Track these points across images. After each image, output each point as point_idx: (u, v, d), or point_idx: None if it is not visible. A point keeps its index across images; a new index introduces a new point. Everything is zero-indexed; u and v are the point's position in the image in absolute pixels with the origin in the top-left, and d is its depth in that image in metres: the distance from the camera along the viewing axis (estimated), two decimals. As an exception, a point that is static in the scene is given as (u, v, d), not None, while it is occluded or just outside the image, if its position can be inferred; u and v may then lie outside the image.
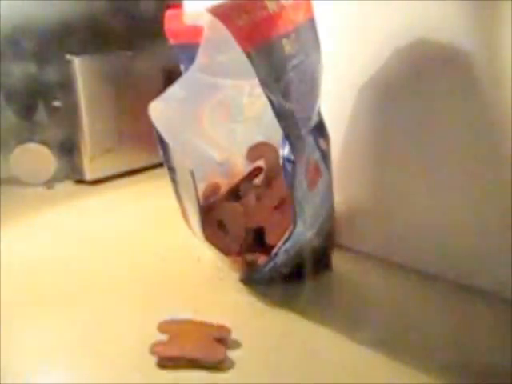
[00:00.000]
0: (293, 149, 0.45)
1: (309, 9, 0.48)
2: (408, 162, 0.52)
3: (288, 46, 0.44)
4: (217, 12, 0.44)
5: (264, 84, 0.43)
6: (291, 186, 0.45)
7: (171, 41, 0.54)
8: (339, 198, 0.56)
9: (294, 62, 0.45)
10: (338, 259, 0.56)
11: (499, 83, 0.45)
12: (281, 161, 0.46)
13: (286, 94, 0.44)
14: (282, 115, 0.44)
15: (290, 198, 0.46)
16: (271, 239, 0.52)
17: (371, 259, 0.56)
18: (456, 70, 0.47)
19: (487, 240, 0.48)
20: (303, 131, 0.46)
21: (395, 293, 0.51)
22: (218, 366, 0.41)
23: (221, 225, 0.56)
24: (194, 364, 0.41)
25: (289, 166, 0.45)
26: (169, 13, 0.55)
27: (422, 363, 0.41)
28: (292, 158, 0.45)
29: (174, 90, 0.54)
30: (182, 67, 0.57)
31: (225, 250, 0.54)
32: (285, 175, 0.46)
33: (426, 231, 0.52)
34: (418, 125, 0.51)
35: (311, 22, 0.48)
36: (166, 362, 0.41)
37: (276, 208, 0.54)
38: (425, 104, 0.50)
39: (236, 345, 0.43)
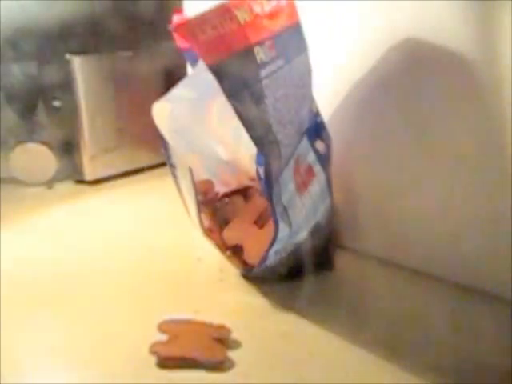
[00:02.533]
0: (265, 154, 0.45)
1: (293, 14, 0.48)
2: (408, 162, 0.52)
3: (261, 54, 0.44)
4: (179, 28, 0.44)
5: (229, 94, 0.43)
6: (267, 190, 0.45)
7: (179, 45, 0.55)
8: (339, 198, 0.56)
9: (270, 68, 0.45)
10: (338, 259, 0.56)
11: (499, 83, 0.45)
12: (254, 166, 0.46)
13: (258, 102, 0.44)
14: (250, 123, 0.44)
15: (268, 202, 0.46)
16: (249, 258, 0.52)
17: (372, 259, 0.56)
18: (456, 70, 0.47)
19: (487, 240, 0.48)
20: (280, 136, 0.46)
21: (396, 293, 0.51)
22: (218, 366, 0.41)
23: (223, 220, 0.56)
24: (193, 364, 0.41)
25: (261, 171, 0.45)
26: (175, 18, 0.55)
27: (422, 363, 0.41)
28: (264, 163, 0.45)
29: (180, 89, 0.54)
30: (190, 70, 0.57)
31: (221, 246, 0.54)
32: (259, 180, 0.46)
33: (426, 231, 0.52)
34: (418, 125, 0.51)
35: (295, 27, 0.48)
36: (166, 362, 0.41)
37: (255, 223, 0.54)
38: (425, 104, 0.50)
39: (236, 345, 0.43)
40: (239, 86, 0.43)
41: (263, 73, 0.44)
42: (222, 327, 0.44)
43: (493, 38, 0.44)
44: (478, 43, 0.45)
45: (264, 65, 0.44)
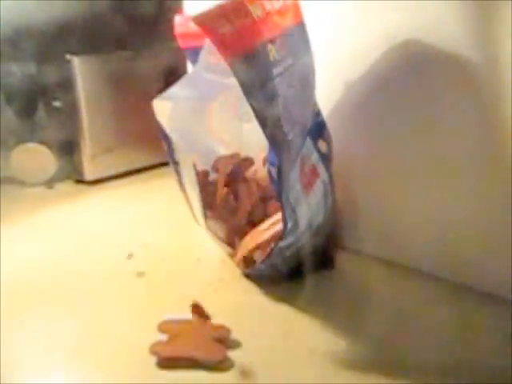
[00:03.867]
0: (278, 154, 0.45)
1: (297, 13, 0.47)
2: (408, 163, 0.52)
3: (273, 52, 0.44)
4: (199, 21, 0.44)
5: (247, 91, 0.43)
6: (280, 189, 0.45)
7: (181, 45, 0.55)
8: (339, 198, 0.56)
9: (281, 67, 0.44)
10: (339, 259, 0.56)
11: (499, 83, 0.45)
12: (266, 166, 0.46)
13: (271, 100, 0.44)
14: (265, 122, 0.44)
15: (279, 201, 0.46)
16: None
17: (372, 259, 0.56)
18: (456, 71, 0.47)
19: (487, 240, 0.48)
20: (290, 135, 0.46)
21: (396, 293, 0.51)
22: (218, 365, 0.41)
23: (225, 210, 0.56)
24: (193, 364, 0.41)
25: (273, 171, 0.45)
26: (177, 18, 0.55)
27: (421, 363, 0.41)
28: (277, 163, 0.45)
29: (180, 87, 0.54)
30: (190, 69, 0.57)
31: (225, 240, 0.55)
32: (271, 180, 0.46)
33: (426, 231, 0.52)
34: (418, 125, 0.51)
35: (300, 26, 0.48)
36: (166, 362, 0.41)
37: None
38: (425, 104, 0.50)
39: (236, 345, 0.43)
40: (255, 83, 0.43)
41: (276, 71, 0.44)
42: (221, 327, 0.44)
43: (492, 37, 0.44)
44: (478, 43, 0.45)
45: (276, 63, 0.44)
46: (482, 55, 0.45)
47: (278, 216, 0.49)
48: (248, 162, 0.59)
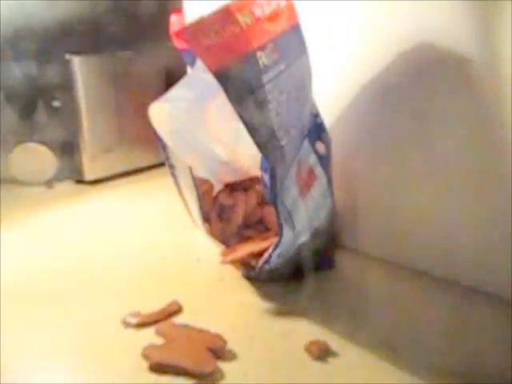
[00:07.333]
0: (270, 160, 0.44)
1: (292, 15, 0.47)
2: (408, 163, 0.52)
3: (264, 58, 0.43)
4: (183, 33, 0.43)
5: (234, 100, 0.42)
6: (273, 196, 0.45)
7: (176, 45, 0.55)
8: (339, 198, 0.56)
9: (272, 73, 0.44)
10: (338, 259, 0.56)
11: (499, 83, 0.45)
12: (259, 173, 0.46)
13: (261, 108, 0.43)
14: (255, 130, 0.43)
15: (274, 206, 0.46)
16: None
17: (372, 259, 0.56)
18: (456, 71, 0.47)
19: (487, 240, 0.48)
20: (284, 140, 0.45)
21: (395, 293, 0.51)
22: (207, 377, 0.40)
23: (221, 214, 0.56)
24: (183, 372, 0.40)
25: (266, 177, 0.45)
26: (173, 17, 0.55)
27: (422, 363, 0.41)
28: (269, 169, 0.44)
29: (178, 90, 0.54)
30: (189, 70, 0.57)
31: (225, 242, 0.55)
32: (263, 186, 0.46)
33: (426, 231, 0.52)
34: (418, 125, 0.51)
35: (295, 29, 0.47)
36: (157, 367, 0.41)
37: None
38: (425, 104, 0.50)
39: (235, 345, 0.43)
40: (243, 91, 0.43)
41: (266, 77, 0.43)
42: (217, 337, 0.43)
43: (493, 37, 0.44)
44: (479, 43, 0.45)
45: (266, 69, 0.43)
46: (483, 55, 0.45)
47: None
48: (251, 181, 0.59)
